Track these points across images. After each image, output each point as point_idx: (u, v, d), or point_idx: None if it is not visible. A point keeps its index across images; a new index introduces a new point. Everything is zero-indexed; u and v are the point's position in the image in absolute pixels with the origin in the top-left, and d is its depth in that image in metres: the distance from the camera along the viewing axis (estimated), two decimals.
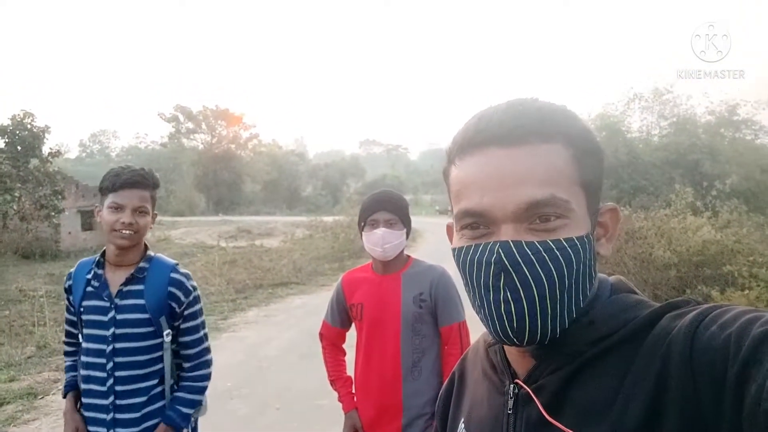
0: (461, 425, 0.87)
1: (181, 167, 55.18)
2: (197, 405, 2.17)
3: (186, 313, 2.12)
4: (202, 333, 2.19)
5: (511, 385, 0.77)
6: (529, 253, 0.66)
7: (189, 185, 52.84)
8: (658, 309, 0.67)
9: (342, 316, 2.46)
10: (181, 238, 25.13)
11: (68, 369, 2.26)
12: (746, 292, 6.18)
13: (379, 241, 2.21)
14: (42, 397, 5.47)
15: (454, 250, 0.76)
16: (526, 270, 0.66)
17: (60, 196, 18.83)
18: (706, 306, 0.63)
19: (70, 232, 20.90)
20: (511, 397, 0.76)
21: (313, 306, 9.80)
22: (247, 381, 5.87)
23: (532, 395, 0.72)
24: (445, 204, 47.41)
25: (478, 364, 0.89)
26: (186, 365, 2.16)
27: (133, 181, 2.02)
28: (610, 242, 0.77)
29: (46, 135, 19.04)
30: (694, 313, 0.62)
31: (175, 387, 2.14)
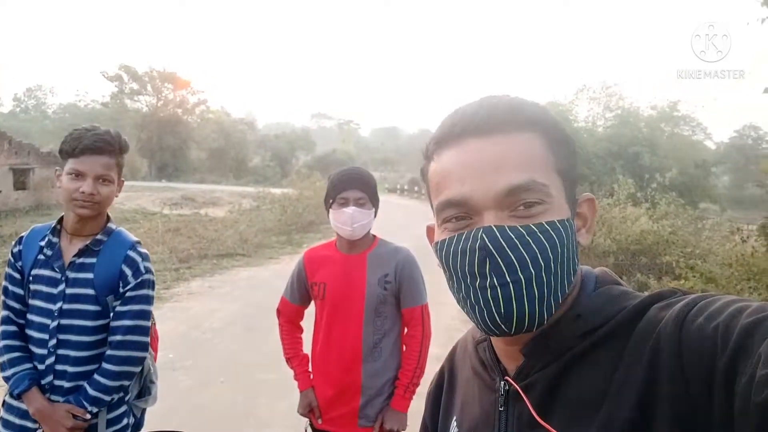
0: (453, 423, 0.87)
1: (124, 129, 51.16)
2: (108, 392, 1.86)
3: (127, 295, 1.89)
4: (138, 322, 1.91)
5: (501, 382, 0.77)
6: (513, 237, 0.66)
7: (131, 148, 50.64)
8: (644, 300, 0.67)
9: (302, 293, 2.41)
10: (122, 203, 24.19)
11: (19, 361, 1.89)
12: (682, 282, 6.50)
13: (349, 220, 2.16)
14: None
15: (435, 244, 0.75)
16: (511, 254, 0.66)
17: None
18: (692, 296, 0.64)
19: (1, 191, 19.81)
20: (501, 395, 0.76)
21: (259, 279, 9.69)
22: (190, 353, 5.76)
23: (522, 393, 0.71)
24: (394, 182, 47.62)
25: (467, 362, 0.89)
26: (111, 342, 1.89)
27: (95, 146, 1.84)
28: (590, 233, 0.78)
29: None
30: (681, 303, 0.62)
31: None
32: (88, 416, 1.85)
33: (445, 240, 0.72)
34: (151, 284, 1.99)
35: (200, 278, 9.75)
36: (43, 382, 1.85)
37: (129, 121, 53.20)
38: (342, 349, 2.25)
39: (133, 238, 2.02)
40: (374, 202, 2.26)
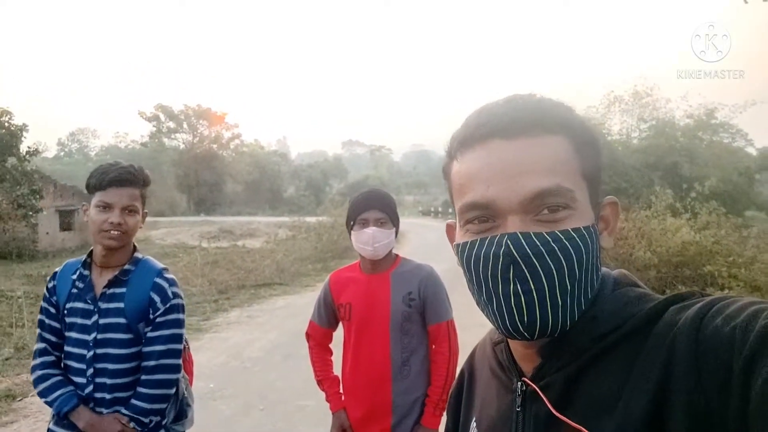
0: (473, 424, 0.87)
1: (162, 167, 54.52)
2: (145, 414, 1.93)
3: (158, 320, 1.96)
4: (170, 346, 1.98)
5: (519, 383, 0.77)
6: (539, 244, 0.66)
7: (170, 185, 52.23)
8: (661, 302, 0.66)
9: (329, 316, 2.44)
10: (162, 238, 24.86)
11: (61, 384, 1.96)
12: (726, 291, 6.28)
13: (370, 240, 2.20)
14: (20, 399, 5.37)
15: (457, 245, 0.75)
16: (536, 262, 0.65)
17: (38, 196, 18.53)
18: (710, 298, 0.63)
19: (48, 233, 20.58)
20: (519, 395, 0.76)
21: (296, 307, 9.76)
22: (230, 382, 5.82)
23: (539, 392, 0.71)
24: (427, 205, 47.55)
25: (485, 363, 0.89)
26: (146, 367, 1.96)
27: (121, 178, 1.93)
28: (611, 235, 0.77)
29: (24, 133, 18.75)
30: (699, 305, 0.61)
31: None
32: (132, 424, 1.92)
33: (467, 243, 0.72)
34: (180, 308, 2.04)
35: (239, 308, 9.88)
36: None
37: (167, 158, 54.82)
38: (371, 369, 2.26)
39: (160, 265, 2.08)
40: (394, 222, 2.29)
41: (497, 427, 0.80)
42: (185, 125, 55.58)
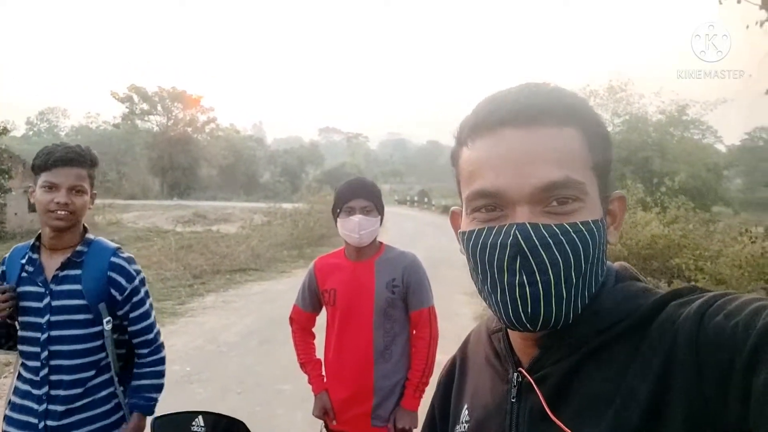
0: (464, 411, 0.86)
1: (135, 149, 53.69)
2: (161, 389, 2.08)
3: (134, 300, 2.01)
4: (153, 317, 2.10)
5: (515, 374, 0.76)
6: (547, 236, 0.65)
7: (143, 168, 51.50)
8: (662, 297, 0.66)
9: (313, 300, 2.50)
10: (134, 222, 24.51)
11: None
12: (692, 284, 6.50)
13: (356, 227, 2.26)
14: None
15: (463, 233, 0.74)
16: (543, 253, 0.65)
17: (6, 176, 18.08)
18: (711, 294, 0.63)
19: (16, 213, 20.13)
20: (514, 386, 0.75)
21: (272, 293, 9.79)
22: (206, 366, 5.84)
23: (534, 386, 0.71)
24: (403, 194, 47.68)
25: (480, 351, 0.88)
26: (144, 351, 2.06)
27: (67, 158, 1.88)
28: (618, 230, 0.76)
29: None
30: (700, 301, 0.61)
31: (115, 380, 2.02)
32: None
33: (474, 231, 0.71)
34: (145, 282, 2.10)
35: (214, 293, 9.85)
36: (39, 392, 1.89)
37: (140, 141, 53.93)
38: (354, 352, 2.33)
39: (113, 244, 2.07)
40: (380, 210, 2.36)
41: (491, 416, 0.79)
42: (159, 107, 54.71)
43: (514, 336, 0.78)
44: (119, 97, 53.84)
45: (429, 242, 17.08)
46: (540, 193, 0.66)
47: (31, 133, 74.93)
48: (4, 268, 2.02)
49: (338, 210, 2.33)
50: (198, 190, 51.16)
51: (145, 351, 2.06)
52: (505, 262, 0.67)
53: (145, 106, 54.65)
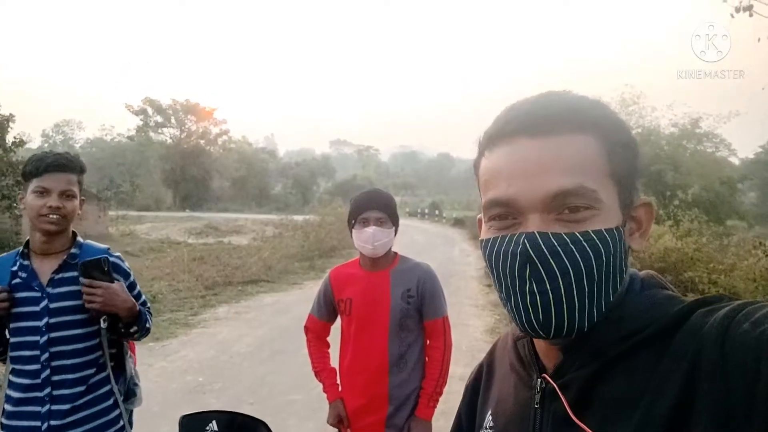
0: (488, 417, 0.87)
1: (149, 161, 54.20)
2: (146, 320, 2.12)
3: (133, 294, 2.10)
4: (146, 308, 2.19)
5: (539, 380, 0.76)
6: (556, 244, 0.66)
7: (156, 180, 51.94)
8: (689, 305, 0.66)
9: (329, 310, 2.53)
10: (147, 233, 24.71)
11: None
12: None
13: (370, 238, 2.29)
14: None
15: (481, 241, 0.76)
16: (552, 261, 0.66)
17: (22, 187, 18.32)
18: (738, 302, 0.62)
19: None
20: (538, 392, 0.76)
21: (283, 304, 9.81)
22: (219, 376, 5.87)
23: (558, 392, 0.71)
24: (414, 206, 47.66)
25: (506, 357, 0.88)
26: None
27: (59, 164, 1.95)
28: (644, 237, 0.76)
29: (11, 124, 18.54)
30: (727, 309, 0.61)
31: (111, 375, 2.08)
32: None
33: (489, 239, 0.73)
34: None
35: (226, 305, 9.89)
36: (41, 394, 1.93)
37: (153, 153, 54.41)
38: (369, 361, 2.36)
39: (103, 245, 2.14)
40: (394, 222, 2.39)
41: (515, 423, 0.79)
42: (173, 120, 55.24)
43: (539, 342, 0.79)
44: (134, 110, 54.42)
45: (439, 254, 17.09)
46: (551, 201, 0.67)
47: (46, 145, 75.64)
48: None
49: (353, 221, 2.37)
50: (210, 201, 51.46)
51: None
52: (516, 271, 0.68)
53: (159, 119, 55.18)
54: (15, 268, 1.99)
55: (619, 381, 0.66)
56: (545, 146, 0.68)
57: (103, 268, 1.96)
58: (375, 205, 2.34)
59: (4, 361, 2.05)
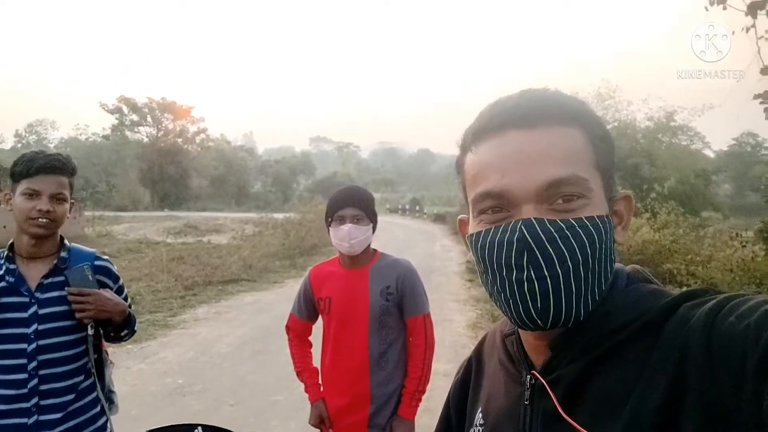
0: (478, 414, 0.87)
1: (125, 161, 53.38)
2: (134, 322, 2.10)
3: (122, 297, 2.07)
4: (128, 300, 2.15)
5: (528, 376, 0.76)
6: (552, 230, 0.66)
7: (133, 179, 51.14)
8: (675, 298, 0.66)
9: (309, 309, 2.49)
10: (125, 233, 24.32)
11: None
12: (683, 288, 6.54)
13: (346, 236, 2.26)
14: None
15: (470, 236, 0.74)
16: (549, 247, 0.66)
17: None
18: (724, 295, 0.63)
19: (5, 226, 19.90)
20: (527, 388, 0.76)
21: (264, 303, 9.73)
22: (199, 377, 5.79)
23: (547, 388, 0.71)
24: (395, 203, 47.72)
25: (494, 355, 0.88)
26: None
27: (50, 166, 1.87)
28: (626, 230, 0.77)
29: None
30: (712, 302, 0.61)
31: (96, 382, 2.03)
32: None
33: (481, 232, 0.71)
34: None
35: (206, 304, 9.77)
36: (27, 405, 1.84)
37: (130, 152, 53.67)
38: (350, 360, 2.32)
39: (91, 249, 2.09)
40: (372, 218, 2.35)
41: (504, 419, 0.79)
42: (149, 118, 54.50)
43: (527, 339, 0.78)
44: (108, 109, 53.57)
45: (421, 250, 17.12)
46: (545, 191, 0.67)
47: (19, 145, 74.19)
48: None
49: (329, 219, 2.33)
50: (189, 200, 50.90)
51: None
52: (513, 259, 0.67)
53: (135, 117, 54.37)
54: (1, 272, 1.90)
55: (608, 376, 0.65)
56: (536, 137, 0.68)
57: (87, 276, 1.90)
58: (351, 202, 2.30)
59: None
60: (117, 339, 2.07)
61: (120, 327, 2.01)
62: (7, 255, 1.94)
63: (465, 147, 0.76)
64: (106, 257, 2.08)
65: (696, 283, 6.58)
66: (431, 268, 13.16)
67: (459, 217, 0.84)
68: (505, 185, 0.69)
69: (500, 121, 0.71)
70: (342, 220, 2.28)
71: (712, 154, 32.24)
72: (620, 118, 27.25)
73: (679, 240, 10.01)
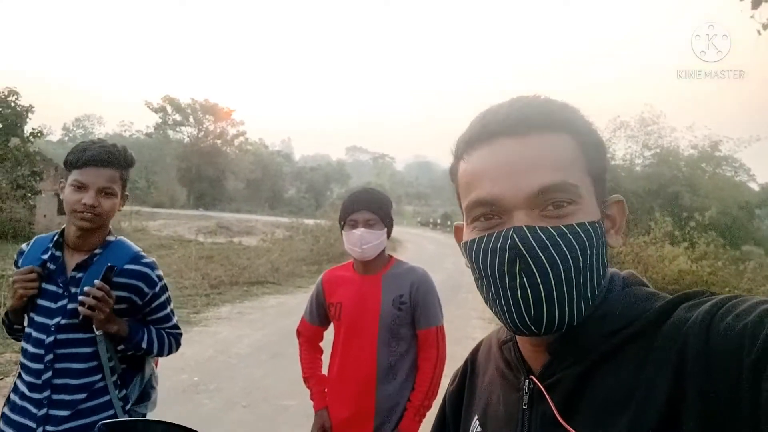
0: (475, 422, 0.87)
1: (165, 159, 54.60)
2: (153, 348, 1.96)
3: (154, 304, 1.95)
4: (174, 320, 2.06)
5: (526, 381, 0.76)
6: (544, 237, 0.66)
7: (172, 178, 52.33)
8: (672, 300, 0.66)
9: (320, 314, 2.41)
10: (159, 230, 24.80)
11: None
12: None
13: (358, 241, 2.17)
14: (2, 378, 5.31)
15: (464, 243, 0.75)
16: (541, 254, 0.66)
17: (38, 178, 18.50)
18: (721, 296, 0.63)
19: (45, 215, 20.50)
20: (526, 393, 0.75)
21: (288, 307, 9.72)
22: (215, 376, 5.77)
23: (545, 393, 0.71)
24: (426, 216, 47.55)
25: (491, 362, 0.88)
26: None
27: (100, 158, 1.80)
28: (619, 234, 0.77)
29: (30, 114, 18.76)
30: (710, 303, 0.61)
31: (118, 382, 1.92)
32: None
33: (474, 239, 0.72)
34: (167, 289, 2.02)
35: (230, 304, 9.82)
36: (39, 396, 1.81)
37: (170, 151, 54.94)
38: (357, 371, 2.23)
39: (135, 248, 1.97)
40: (386, 223, 2.26)
41: (503, 424, 0.79)
42: (191, 119, 55.77)
43: (524, 344, 0.78)
44: (153, 107, 55.06)
45: (449, 265, 16.91)
46: (536, 198, 0.68)
47: (66, 138, 76.84)
48: (22, 260, 1.92)
49: (342, 223, 2.26)
50: (224, 201, 51.75)
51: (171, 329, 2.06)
52: (506, 266, 0.67)
53: (178, 117, 55.73)
54: (46, 257, 1.86)
55: (607, 378, 0.65)
56: (526, 145, 0.69)
57: (110, 277, 1.80)
58: (364, 206, 2.21)
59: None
60: (137, 356, 1.97)
61: (136, 346, 1.91)
62: (56, 240, 1.90)
63: (458, 156, 0.77)
64: (149, 259, 1.96)
65: None
66: (459, 283, 12.96)
67: (455, 223, 0.84)
68: (496, 193, 0.69)
69: (491, 130, 0.72)
70: (354, 225, 2.20)
71: (757, 188, 31.13)
72: (663, 145, 26.67)
73: (717, 272, 9.64)
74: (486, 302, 0.74)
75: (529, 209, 0.68)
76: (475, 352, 0.96)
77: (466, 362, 0.97)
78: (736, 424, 0.53)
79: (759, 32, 5.54)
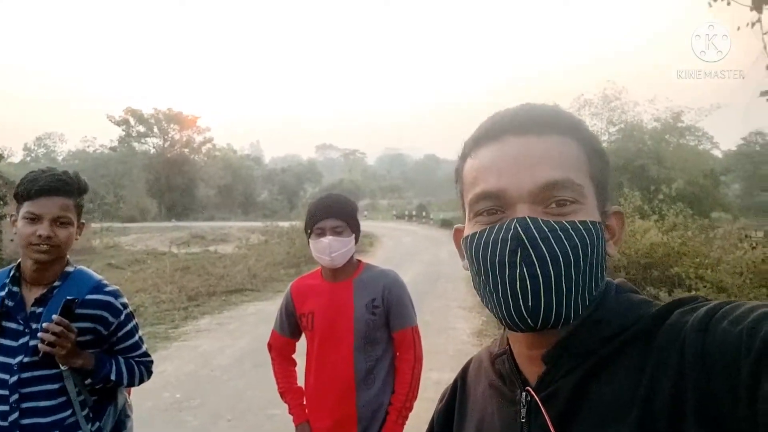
0: None
1: (132, 172, 53.62)
2: (123, 379, 1.89)
3: (120, 333, 1.89)
4: (144, 348, 1.99)
5: (523, 393, 0.75)
6: (546, 230, 0.66)
7: (140, 190, 51.42)
8: (667, 305, 0.67)
9: (291, 325, 2.37)
10: (132, 244, 24.41)
11: None
12: (693, 293, 6.37)
13: (326, 249, 2.14)
14: None
15: (465, 238, 0.74)
16: (543, 246, 0.66)
17: (2, 202, 18.00)
18: (715, 302, 0.63)
19: (12, 240, 19.95)
20: (523, 405, 0.74)
21: (267, 313, 9.60)
22: (197, 391, 5.69)
23: (541, 405, 0.70)
24: (402, 209, 47.60)
25: (482, 378, 0.87)
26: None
27: (52, 187, 1.74)
28: (617, 245, 0.77)
29: None
30: (706, 308, 0.62)
31: (90, 415, 1.85)
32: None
33: (476, 232, 0.72)
34: (133, 316, 1.96)
35: (209, 315, 9.70)
36: None
37: (137, 163, 54.02)
38: (335, 379, 2.20)
39: (96, 277, 1.91)
40: (354, 229, 2.23)
41: None
42: (156, 129, 54.89)
43: (521, 351, 0.77)
44: (115, 120, 53.96)
45: (427, 256, 16.96)
46: (540, 192, 0.68)
47: (28, 159, 74.78)
48: None
49: (309, 231, 2.21)
50: (196, 210, 51.12)
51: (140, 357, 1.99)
52: (507, 257, 0.67)
53: (142, 129, 54.75)
54: (3, 293, 1.78)
55: (605, 386, 0.65)
56: (533, 142, 0.70)
57: (72, 311, 1.74)
58: (331, 213, 2.18)
59: None
60: (104, 389, 1.90)
61: (105, 379, 1.84)
62: (13, 275, 1.82)
63: (464, 155, 0.78)
64: (112, 287, 1.90)
65: (705, 286, 6.41)
66: (438, 274, 12.99)
67: (455, 226, 0.84)
68: (501, 186, 0.70)
69: (499, 129, 0.73)
70: (321, 233, 2.17)
71: (720, 154, 31.93)
72: (627, 120, 27.06)
73: (688, 242, 9.78)
74: (482, 300, 0.73)
75: (533, 204, 0.68)
76: (464, 370, 0.95)
77: (455, 380, 0.96)
78: (735, 424, 0.54)
79: (710, 4, 5.64)
